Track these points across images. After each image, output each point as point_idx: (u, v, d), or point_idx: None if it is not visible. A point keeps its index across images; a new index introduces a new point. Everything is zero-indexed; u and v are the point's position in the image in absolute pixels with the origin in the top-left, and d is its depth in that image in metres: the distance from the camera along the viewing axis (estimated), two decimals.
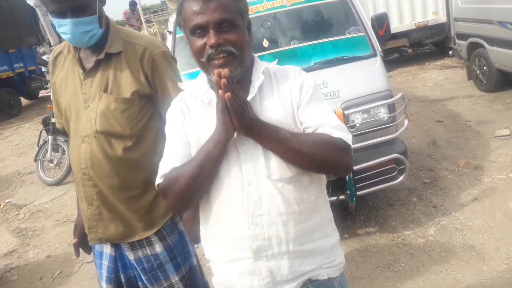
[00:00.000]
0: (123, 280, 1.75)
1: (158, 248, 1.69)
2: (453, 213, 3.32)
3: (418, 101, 6.23)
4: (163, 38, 6.05)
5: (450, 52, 7.85)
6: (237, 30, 1.14)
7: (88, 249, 1.85)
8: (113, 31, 1.61)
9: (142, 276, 1.71)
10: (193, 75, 3.23)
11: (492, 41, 5.48)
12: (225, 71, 1.03)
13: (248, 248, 1.15)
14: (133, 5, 12.95)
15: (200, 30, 1.13)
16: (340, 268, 1.29)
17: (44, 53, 10.49)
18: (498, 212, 3.21)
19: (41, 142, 5.85)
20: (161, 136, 1.67)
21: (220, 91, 1.03)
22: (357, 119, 3.04)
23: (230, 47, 1.12)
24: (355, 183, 2.95)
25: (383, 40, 3.74)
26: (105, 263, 1.74)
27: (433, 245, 2.98)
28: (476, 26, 5.85)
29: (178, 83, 1.36)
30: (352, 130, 3.00)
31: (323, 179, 1.27)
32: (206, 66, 1.15)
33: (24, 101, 12.68)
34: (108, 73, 1.57)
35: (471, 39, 6.02)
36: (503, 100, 5.51)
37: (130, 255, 1.70)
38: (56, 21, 1.48)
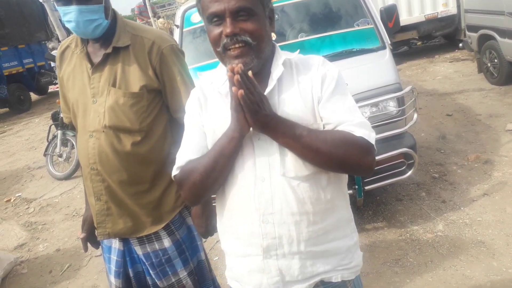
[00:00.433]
0: (131, 274, 1.76)
1: (167, 242, 1.70)
2: (462, 208, 3.29)
3: (428, 94, 6.16)
4: (171, 32, 6.05)
5: (460, 45, 7.76)
6: (255, 19, 1.08)
7: (96, 244, 1.85)
8: (120, 24, 1.59)
9: (151, 271, 1.72)
10: (200, 69, 3.23)
11: (503, 33, 5.38)
12: (238, 67, 0.99)
13: (258, 245, 1.13)
14: None
15: (216, 18, 1.08)
16: (356, 271, 1.23)
17: (53, 48, 10.49)
18: (509, 207, 3.17)
19: (50, 136, 5.91)
20: (169, 131, 1.68)
21: (233, 88, 1.00)
22: (366, 112, 3.00)
23: (246, 37, 1.07)
24: (363, 178, 2.92)
25: (392, 32, 3.69)
26: (114, 257, 1.74)
27: (441, 241, 2.95)
28: (487, 17, 5.75)
29: (198, 72, 1.32)
30: None
31: (343, 177, 1.21)
32: (222, 56, 1.11)
33: (33, 96, 12.82)
34: (116, 67, 1.56)
35: (481, 31, 5.92)
36: None
37: (138, 250, 1.71)
38: (61, 9, 1.47)
